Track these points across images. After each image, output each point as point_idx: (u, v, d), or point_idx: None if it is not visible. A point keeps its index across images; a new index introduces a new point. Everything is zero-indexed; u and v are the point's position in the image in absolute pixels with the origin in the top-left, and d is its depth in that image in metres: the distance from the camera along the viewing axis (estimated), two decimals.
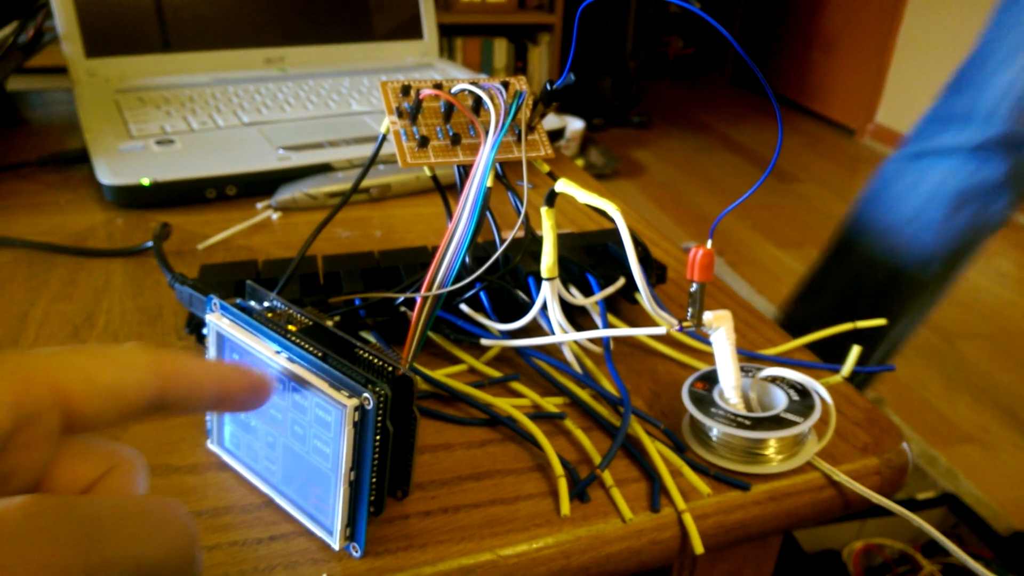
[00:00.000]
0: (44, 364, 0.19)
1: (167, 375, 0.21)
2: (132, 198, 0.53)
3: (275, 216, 0.53)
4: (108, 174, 0.53)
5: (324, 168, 0.57)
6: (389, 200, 0.57)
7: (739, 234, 2.22)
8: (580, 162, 2.53)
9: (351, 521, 0.25)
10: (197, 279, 0.38)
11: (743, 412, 0.31)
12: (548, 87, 0.33)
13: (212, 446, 0.30)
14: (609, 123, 3.11)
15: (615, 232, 0.44)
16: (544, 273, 0.35)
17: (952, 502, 1.04)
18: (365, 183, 0.56)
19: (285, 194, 0.54)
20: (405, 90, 0.36)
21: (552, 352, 0.37)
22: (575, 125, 2.53)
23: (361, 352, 0.25)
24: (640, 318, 0.42)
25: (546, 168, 0.36)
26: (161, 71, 0.73)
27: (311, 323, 0.27)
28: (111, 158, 0.55)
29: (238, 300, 0.28)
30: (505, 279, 0.38)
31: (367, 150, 0.59)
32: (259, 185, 0.55)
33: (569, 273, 0.39)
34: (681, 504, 0.29)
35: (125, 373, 0.20)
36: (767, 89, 0.27)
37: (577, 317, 0.42)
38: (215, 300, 0.28)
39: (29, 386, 0.18)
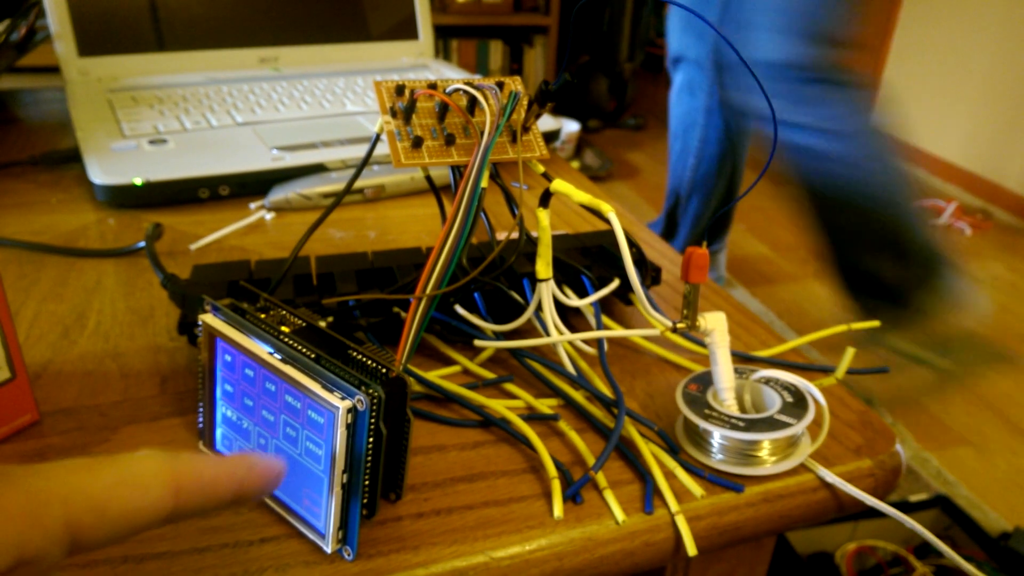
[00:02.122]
0: (57, 492, 0.18)
1: (182, 492, 0.20)
2: (124, 198, 0.53)
3: (268, 216, 0.53)
4: (100, 174, 0.52)
5: (318, 168, 0.57)
6: (383, 201, 0.57)
7: (734, 236, 2.22)
8: (575, 164, 2.53)
9: (344, 524, 0.25)
10: (189, 279, 0.38)
11: (737, 414, 0.31)
12: (545, 86, 0.33)
13: (203, 448, 0.30)
14: (604, 125, 3.12)
15: (610, 233, 0.44)
16: (539, 274, 0.35)
17: (945, 504, 1.04)
18: (359, 184, 0.56)
19: (279, 194, 0.54)
20: (399, 90, 0.36)
21: (546, 353, 0.37)
22: (570, 127, 2.54)
23: (354, 353, 0.25)
24: (634, 320, 0.42)
25: (541, 169, 0.36)
26: (154, 70, 0.72)
27: (304, 324, 0.27)
28: (103, 157, 0.55)
29: (231, 300, 0.28)
30: (500, 280, 0.37)
31: (361, 151, 0.59)
32: (253, 185, 0.55)
33: (564, 274, 0.39)
34: (675, 506, 0.29)
35: (139, 499, 0.19)
36: (763, 91, 0.27)
37: (571, 318, 0.41)
38: (208, 301, 0.28)
39: (38, 521, 0.17)
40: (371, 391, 0.23)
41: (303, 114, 0.66)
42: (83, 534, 0.18)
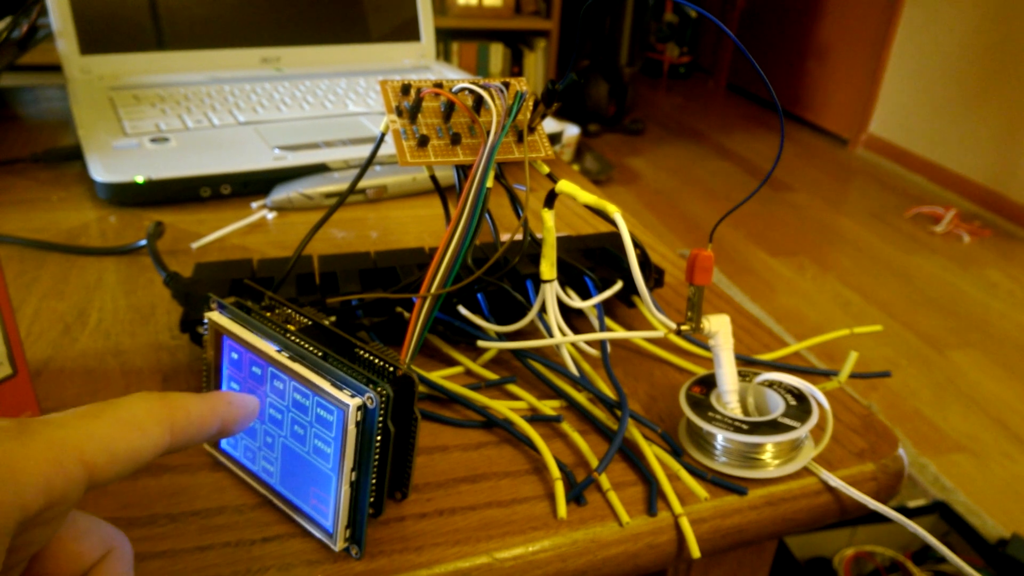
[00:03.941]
0: (73, 438, 0.20)
1: (176, 428, 0.22)
2: (126, 196, 0.52)
3: (270, 216, 0.53)
4: (102, 171, 0.52)
5: (320, 168, 0.57)
6: (385, 201, 0.57)
7: (733, 242, 2.22)
8: (575, 168, 2.53)
9: (351, 522, 0.25)
10: (192, 277, 0.38)
11: (740, 416, 0.31)
12: (552, 86, 0.33)
13: (207, 447, 0.30)
14: (604, 129, 3.12)
15: (612, 235, 0.44)
16: (543, 275, 0.35)
17: (943, 510, 1.04)
18: (362, 184, 0.56)
19: (280, 194, 0.54)
20: (405, 89, 0.36)
21: (549, 355, 0.37)
22: (570, 131, 2.54)
23: (361, 352, 0.25)
24: (637, 322, 0.42)
25: (546, 169, 0.36)
26: (156, 69, 0.72)
27: (310, 322, 0.27)
28: (105, 155, 0.55)
29: (236, 299, 0.28)
30: (503, 281, 0.37)
31: (363, 151, 0.59)
32: (254, 184, 0.55)
33: (567, 275, 0.39)
34: (678, 508, 0.29)
35: (141, 438, 0.21)
36: (772, 95, 0.27)
37: (574, 320, 0.41)
38: (214, 299, 0.28)
39: (61, 465, 0.19)
40: (380, 389, 0.23)
41: (305, 114, 0.66)
42: (97, 473, 0.20)
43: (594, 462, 0.31)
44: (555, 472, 0.30)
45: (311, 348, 0.25)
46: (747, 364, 0.39)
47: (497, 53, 2.83)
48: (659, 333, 0.34)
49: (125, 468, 0.20)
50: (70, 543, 0.21)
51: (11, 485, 0.18)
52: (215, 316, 0.27)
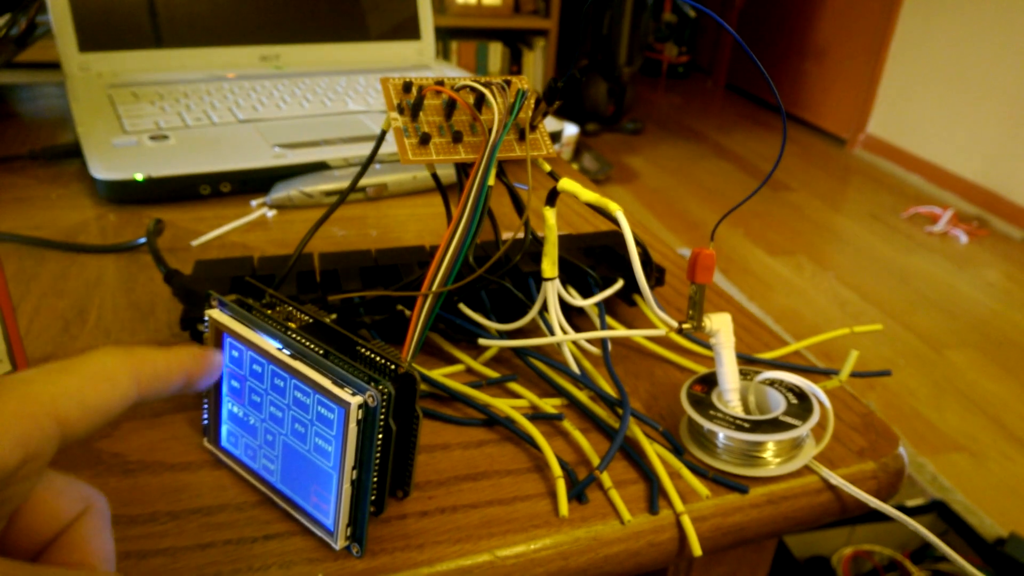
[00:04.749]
0: (45, 393, 0.20)
1: (143, 381, 0.23)
2: (125, 193, 0.52)
3: (270, 214, 0.53)
4: (101, 169, 0.52)
5: (320, 166, 0.57)
6: (385, 199, 0.57)
7: (731, 241, 2.23)
8: (574, 167, 2.53)
9: (352, 521, 0.25)
10: (192, 275, 0.38)
11: (741, 415, 0.31)
12: (554, 83, 0.33)
13: (208, 445, 0.30)
14: (602, 129, 3.12)
15: (613, 234, 0.44)
16: (544, 273, 0.35)
17: (941, 509, 1.04)
18: (362, 182, 0.56)
19: (280, 192, 0.54)
20: (406, 87, 0.36)
21: (550, 353, 0.37)
22: (569, 130, 2.54)
23: (363, 349, 0.25)
24: (637, 321, 0.42)
25: (547, 167, 0.36)
26: (155, 67, 0.72)
27: (311, 320, 0.27)
28: (104, 153, 0.55)
29: (237, 296, 0.28)
30: (504, 279, 0.37)
31: (363, 149, 0.59)
32: (254, 182, 0.55)
33: (568, 274, 0.39)
34: (679, 506, 0.29)
35: (110, 391, 0.21)
36: (774, 92, 0.27)
37: (575, 318, 0.41)
38: (215, 296, 0.28)
39: (35, 421, 0.19)
40: (381, 387, 0.23)
41: (305, 112, 0.66)
42: (70, 427, 0.20)
43: (595, 460, 0.31)
44: (556, 470, 0.30)
45: (312, 346, 0.25)
46: (748, 363, 0.39)
47: (496, 52, 2.83)
48: (660, 331, 0.34)
49: (97, 421, 0.21)
50: (48, 500, 0.21)
51: None
52: (216, 314, 0.27)
